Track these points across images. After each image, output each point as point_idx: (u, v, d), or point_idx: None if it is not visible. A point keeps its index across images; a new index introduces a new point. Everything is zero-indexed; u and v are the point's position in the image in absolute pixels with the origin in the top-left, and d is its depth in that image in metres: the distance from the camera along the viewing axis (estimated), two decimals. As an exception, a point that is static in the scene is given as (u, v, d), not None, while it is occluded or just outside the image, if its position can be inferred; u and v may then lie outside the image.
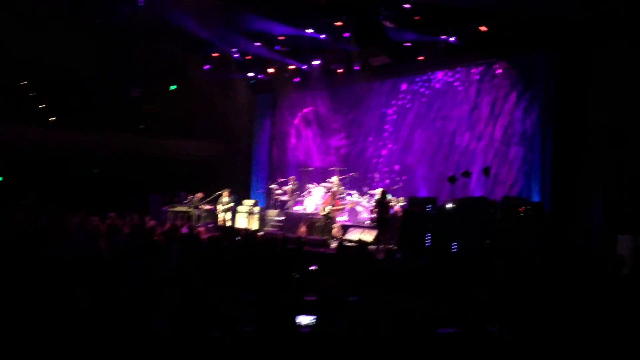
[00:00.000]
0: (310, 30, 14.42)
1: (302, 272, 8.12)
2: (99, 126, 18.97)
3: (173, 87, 19.86)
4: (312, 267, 8.24)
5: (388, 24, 12.96)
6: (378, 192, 14.79)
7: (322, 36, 14.46)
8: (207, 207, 16.80)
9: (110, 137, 19.40)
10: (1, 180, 19.24)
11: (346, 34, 13.86)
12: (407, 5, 12.46)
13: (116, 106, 18.66)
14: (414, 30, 13.34)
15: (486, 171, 12.18)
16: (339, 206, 14.54)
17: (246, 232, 11.40)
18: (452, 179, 11.94)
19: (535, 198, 12.93)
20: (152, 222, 12.88)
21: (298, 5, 12.61)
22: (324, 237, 13.43)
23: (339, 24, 13.72)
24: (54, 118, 20.89)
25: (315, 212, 15.19)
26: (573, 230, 11.98)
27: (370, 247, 11.55)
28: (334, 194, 14.59)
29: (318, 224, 14.38)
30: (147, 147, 19.88)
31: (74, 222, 11.97)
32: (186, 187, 17.81)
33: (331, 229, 14.03)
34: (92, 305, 5.28)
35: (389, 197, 14.26)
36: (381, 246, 12.15)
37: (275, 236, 11.30)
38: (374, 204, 13.65)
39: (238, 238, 9.46)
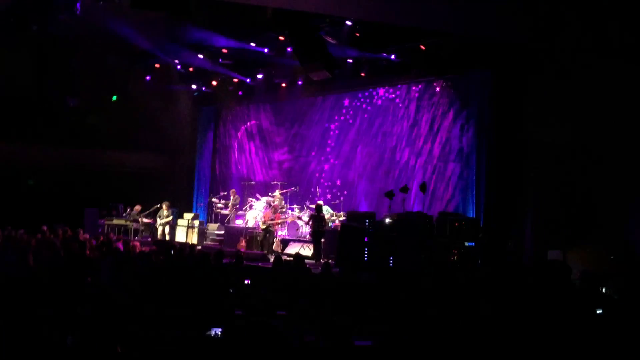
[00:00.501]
0: (253, 44, 14.43)
1: (236, 287, 8.05)
2: (36, 137, 18.36)
3: (114, 98, 19.49)
4: (246, 281, 8.18)
5: (330, 40, 13.07)
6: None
7: (265, 50, 14.49)
8: (146, 220, 16.47)
9: (47, 148, 18.78)
10: None
11: (289, 49, 13.92)
12: (348, 22, 12.63)
13: (54, 117, 18.12)
14: (355, 46, 13.52)
15: (422, 187, 12.41)
16: (279, 220, 14.48)
17: (182, 246, 11.19)
18: (389, 194, 12.10)
19: (471, 214, 13.27)
20: (86, 236, 12.54)
21: (241, 18, 12.56)
22: (263, 251, 13.34)
23: (282, 38, 13.76)
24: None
25: (256, 226, 15.10)
26: (505, 246, 12.31)
27: (308, 261, 11.53)
28: (274, 208, 14.54)
29: (258, 237, 14.29)
30: (85, 159, 19.33)
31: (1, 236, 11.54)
32: (126, 200, 17.42)
33: (272, 243, 13.96)
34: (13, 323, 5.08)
35: (328, 211, 14.38)
36: (321, 260, 12.17)
37: (210, 250, 11.16)
38: (308, 218, 13.70)
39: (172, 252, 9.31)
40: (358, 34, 12.94)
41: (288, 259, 11.01)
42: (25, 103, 16.78)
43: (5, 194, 17.44)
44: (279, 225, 14.55)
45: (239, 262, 9.48)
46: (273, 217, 14.19)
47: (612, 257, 10.15)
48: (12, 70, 15.34)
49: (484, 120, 13.31)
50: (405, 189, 12.44)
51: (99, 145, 19.40)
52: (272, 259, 12.71)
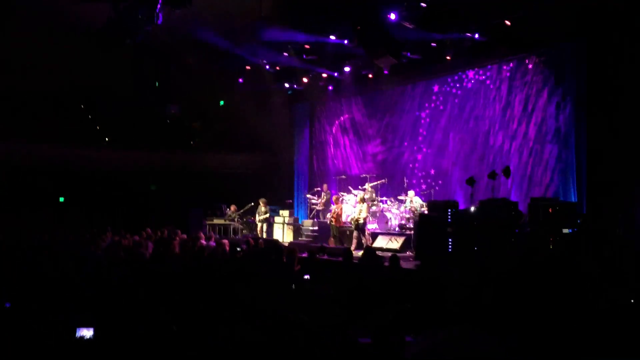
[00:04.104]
0: (333, 37, 14.26)
1: (297, 282, 7.99)
2: (143, 144, 19.56)
3: (222, 103, 20.28)
4: (306, 276, 8.09)
5: (408, 25, 12.59)
6: (409, 196, 14.47)
7: (345, 41, 14.25)
8: (244, 218, 16.97)
9: (155, 154, 19.95)
10: (62, 201, 20.23)
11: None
12: (423, 4, 12.07)
13: (158, 124, 19.20)
14: (435, 29, 12.92)
15: (506, 171, 11.52)
16: (339, 211, 14.26)
17: (248, 241, 11.20)
18: (470, 181, 11.39)
19: (572, 198, 12.18)
20: (183, 236, 13.11)
21: (312, 10, 12.48)
22: (345, 246, 13.10)
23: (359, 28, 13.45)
24: (108, 139, 21.87)
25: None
26: (613, 232, 11.12)
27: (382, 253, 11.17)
28: (336, 199, 14.49)
29: (348, 232, 14.09)
30: (191, 162, 20.31)
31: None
32: (230, 200, 18.00)
33: (348, 236, 13.87)
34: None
35: (418, 201, 13.94)
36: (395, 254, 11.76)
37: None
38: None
39: (239, 249, 9.43)
40: (435, 16, 12.32)
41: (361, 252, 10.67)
42: (129, 113, 17.90)
43: (118, 197, 18.78)
44: (339, 217, 14.27)
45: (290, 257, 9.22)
46: (335, 209, 14.10)
47: None
48: (114, 82, 16.45)
49: (581, 96, 12.13)
50: (493, 175, 11.65)
51: (203, 149, 20.30)
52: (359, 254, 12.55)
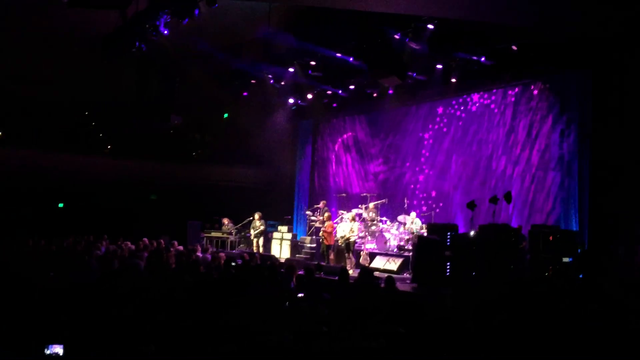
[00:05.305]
0: (339, 54, 14.24)
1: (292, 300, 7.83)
2: (145, 154, 19.50)
3: (226, 116, 20.24)
4: (300, 295, 7.95)
5: (414, 46, 12.57)
6: (411, 217, 14.37)
7: (351, 59, 14.22)
8: (242, 232, 16.85)
9: (156, 164, 19.89)
10: (62, 207, 20.24)
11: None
12: (430, 26, 12.04)
13: (161, 135, 19.17)
14: (440, 52, 12.90)
15: (507, 196, 11.43)
16: (328, 230, 14.11)
17: (243, 256, 11.09)
18: (471, 205, 11.28)
19: (574, 227, 12.05)
20: (179, 248, 12.99)
21: (320, 26, 12.48)
22: (341, 265, 12.96)
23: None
24: (110, 147, 21.89)
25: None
26: (613, 262, 10.99)
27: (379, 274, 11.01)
28: (324, 219, 14.43)
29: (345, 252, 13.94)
30: (192, 174, 20.24)
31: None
32: (229, 214, 17.87)
33: (346, 255, 13.73)
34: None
35: (418, 223, 13.82)
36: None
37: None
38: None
39: (233, 264, 9.30)
40: (441, 38, 12.29)
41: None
42: (132, 123, 17.85)
43: (118, 206, 18.69)
44: (329, 235, 14.08)
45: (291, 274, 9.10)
46: (324, 227, 14.05)
47: None
48: (118, 93, 16.43)
49: (585, 124, 12.07)
50: (494, 200, 11.55)
51: (204, 161, 20.23)
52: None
